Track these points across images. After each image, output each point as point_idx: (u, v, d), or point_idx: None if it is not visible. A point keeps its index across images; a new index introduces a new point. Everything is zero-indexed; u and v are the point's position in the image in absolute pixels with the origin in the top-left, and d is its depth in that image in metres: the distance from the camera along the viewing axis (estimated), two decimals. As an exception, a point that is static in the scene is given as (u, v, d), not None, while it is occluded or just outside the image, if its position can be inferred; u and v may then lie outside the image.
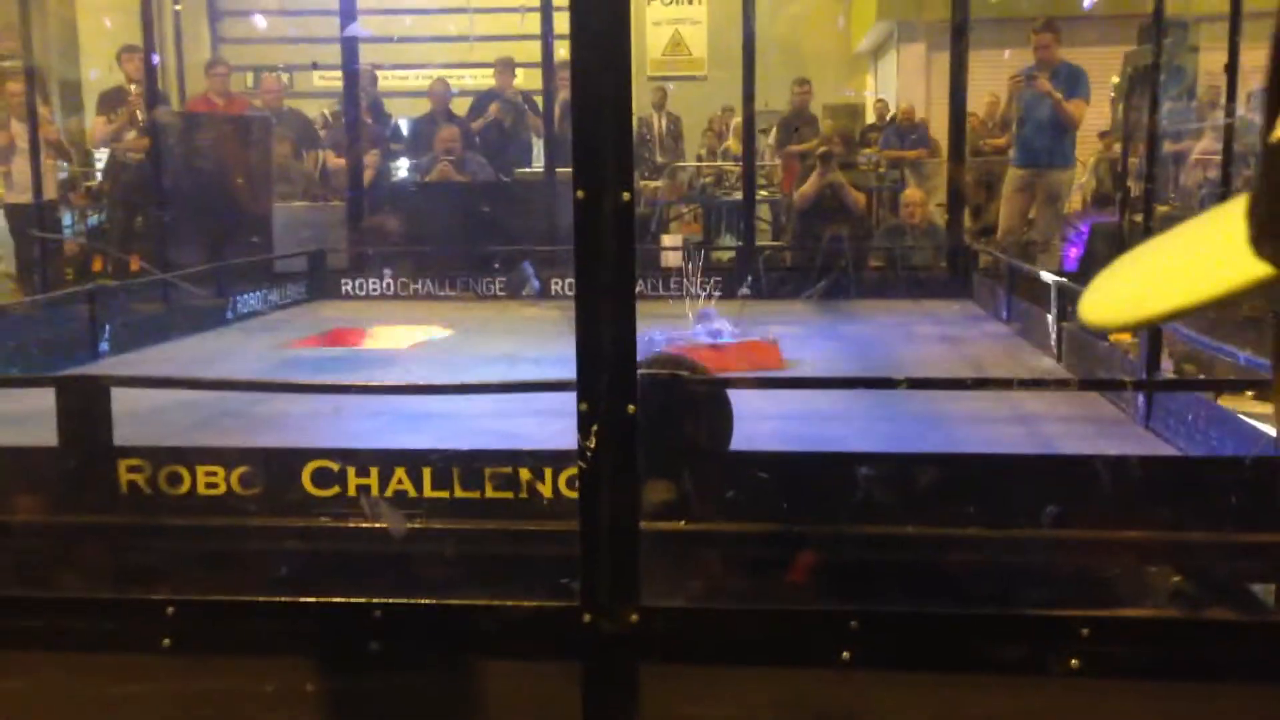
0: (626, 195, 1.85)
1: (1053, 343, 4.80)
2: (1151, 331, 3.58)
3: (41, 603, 2.18)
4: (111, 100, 9.04)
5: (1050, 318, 4.88)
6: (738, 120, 10.95)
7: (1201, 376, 4.24)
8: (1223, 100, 7.78)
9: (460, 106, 10.56)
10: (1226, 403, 3.30)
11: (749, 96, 8.32)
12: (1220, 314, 5.53)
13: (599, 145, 1.84)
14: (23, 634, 2.13)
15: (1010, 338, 5.58)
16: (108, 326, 5.26)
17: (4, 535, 2.68)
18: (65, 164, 10.36)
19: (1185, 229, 0.75)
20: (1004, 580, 2.44)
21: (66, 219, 10.24)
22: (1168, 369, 4.09)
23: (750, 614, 2.02)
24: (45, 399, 2.78)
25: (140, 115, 8.33)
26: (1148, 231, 6.25)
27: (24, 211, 8.51)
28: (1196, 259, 0.71)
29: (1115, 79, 10.83)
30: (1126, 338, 4.80)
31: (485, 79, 12.91)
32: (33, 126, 7.56)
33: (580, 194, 1.85)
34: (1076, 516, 2.42)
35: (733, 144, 12.61)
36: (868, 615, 1.93)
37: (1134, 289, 0.74)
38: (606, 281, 1.85)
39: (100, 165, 10.31)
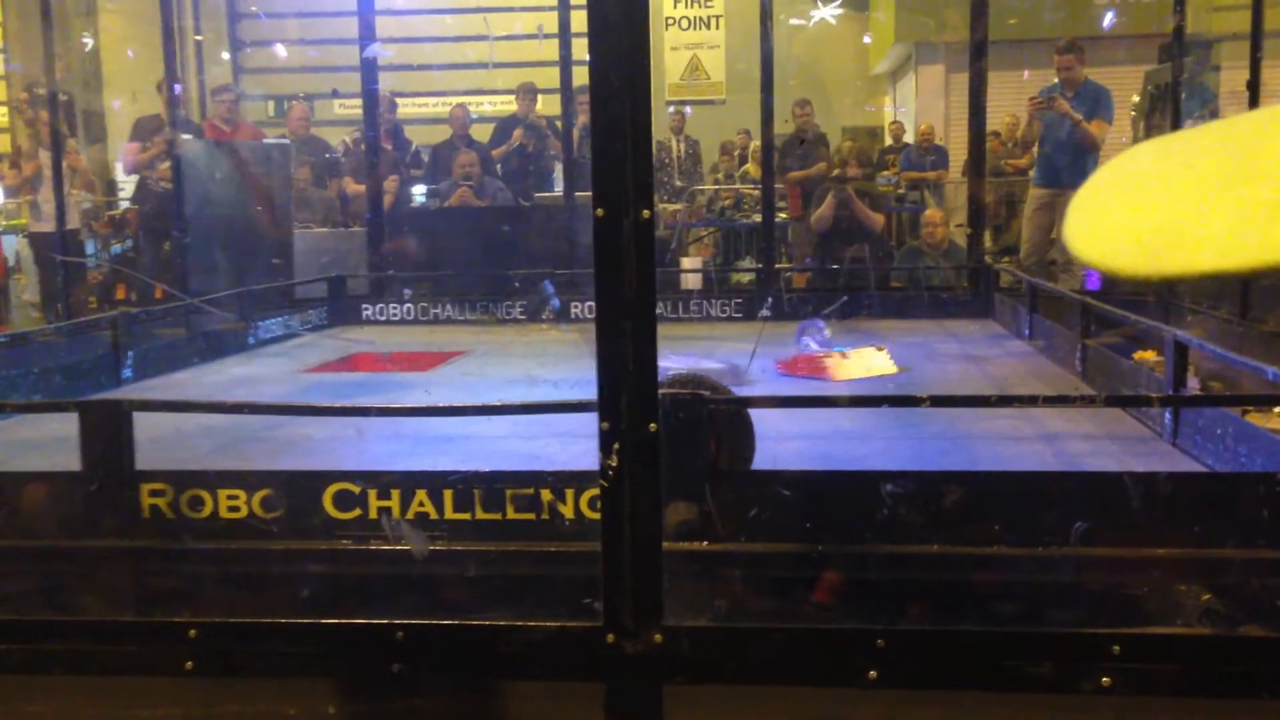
0: (646, 213, 1.85)
1: (1077, 360, 4.77)
2: (1178, 347, 3.55)
3: (64, 626, 2.18)
4: (148, 128, 9.08)
5: (1074, 335, 4.85)
6: (756, 144, 10.94)
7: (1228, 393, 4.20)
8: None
9: (481, 132, 10.62)
10: (1254, 419, 3.26)
11: (767, 119, 8.33)
12: (1246, 330, 5.49)
13: (618, 163, 1.84)
14: (46, 658, 2.13)
15: (1033, 355, 5.54)
16: (130, 352, 5.28)
17: (28, 559, 2.68)
18: (88, 195, 10.47)
19: (1212, 140, 0.62)
20: (1032, 599, 2.41)
21: (89, 247, 10.32)
22: (1194, 385, 4.05)
23: (775, 633, 2.00)
24: (68, 424, 2.79)
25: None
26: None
27: (48, 240, 8.59)
28: (1242, 203, 0.57)
29: (1135, 98, 10.80)
30: (1150, 355, 4.76)
31: (505, 105, 12.99)
32: (56, 156, 7.62)
33: (600, 212, 1.85)
34: (1105, 534, 2.40)
35: (751, 167, 12.62)
36: (894, 634, 1.91)
37: (1152, 230, 0.61)
38: (627, 299, 1.85)
39: (124, 193, 10.41)
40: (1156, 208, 0.62)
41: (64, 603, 2.59)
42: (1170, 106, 7.88)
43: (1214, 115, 10.14)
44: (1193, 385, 4.01)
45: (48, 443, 3.48)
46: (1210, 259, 0.57)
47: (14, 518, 2.73)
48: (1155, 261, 0.60)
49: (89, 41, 13.28)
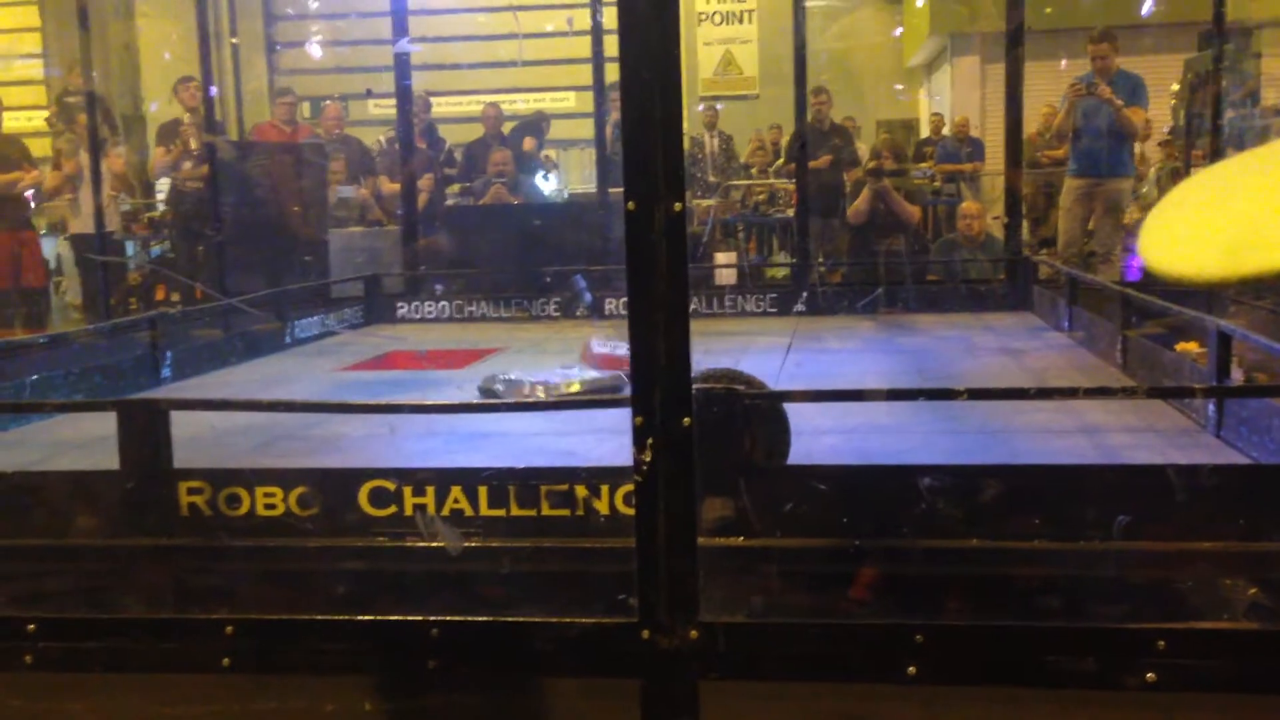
0: (678, 206, 1.83)
1: (1118, 352, 4.71)
2: (1220, 337, 3.49)
3: (103, 624, 2.19)
4: (169, 132, 9.23)
5: (1115, 327, 4.79)
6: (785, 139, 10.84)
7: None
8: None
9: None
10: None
11: (801, 113, 8.29)
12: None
13: (649, 156, 1.82)
14: (85, 655, 2.14)
15: (1073, 348, 5.48)
16: (169, 353, 5.32)
17: (67, 557, 2.70)
18: (127, 196, 10.60)
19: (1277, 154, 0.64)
20: (1074, 593, 2.38)
21: (129, 248, 10.44)
22: (1237, 376, 3.99)
23: (812, 628, 1.98)
24: (107, 423, 2.81)
25: (194, 144, 8.51)
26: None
27: (88, 242, 8.68)
28: None
29: (1175, 86, 10.67)
30: (1193, 346, 4.69)
31: (537, 102, 13.01)
32: (94, 158, 7.69)
33: (631, 205, 1.84)
34: (1149, 527, 2.36)
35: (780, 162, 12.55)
36: (933, 629, 1.89)
37: (1223, 234, 0.62)
38: (659, 293, 1.83)
39: (161, 196, 10.54)
40: (1235, 214, 0.64)
41: (102, 601, 2.61)
42: (1211, 94, 7.77)
43: (1254, 100, 10.01)
44: (1236, 376, 3.94)
45: (87, 442, 3.50)
46: None
47: (54, 516, 2.75)
48: (1237, 263, 0.61)
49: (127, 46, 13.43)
